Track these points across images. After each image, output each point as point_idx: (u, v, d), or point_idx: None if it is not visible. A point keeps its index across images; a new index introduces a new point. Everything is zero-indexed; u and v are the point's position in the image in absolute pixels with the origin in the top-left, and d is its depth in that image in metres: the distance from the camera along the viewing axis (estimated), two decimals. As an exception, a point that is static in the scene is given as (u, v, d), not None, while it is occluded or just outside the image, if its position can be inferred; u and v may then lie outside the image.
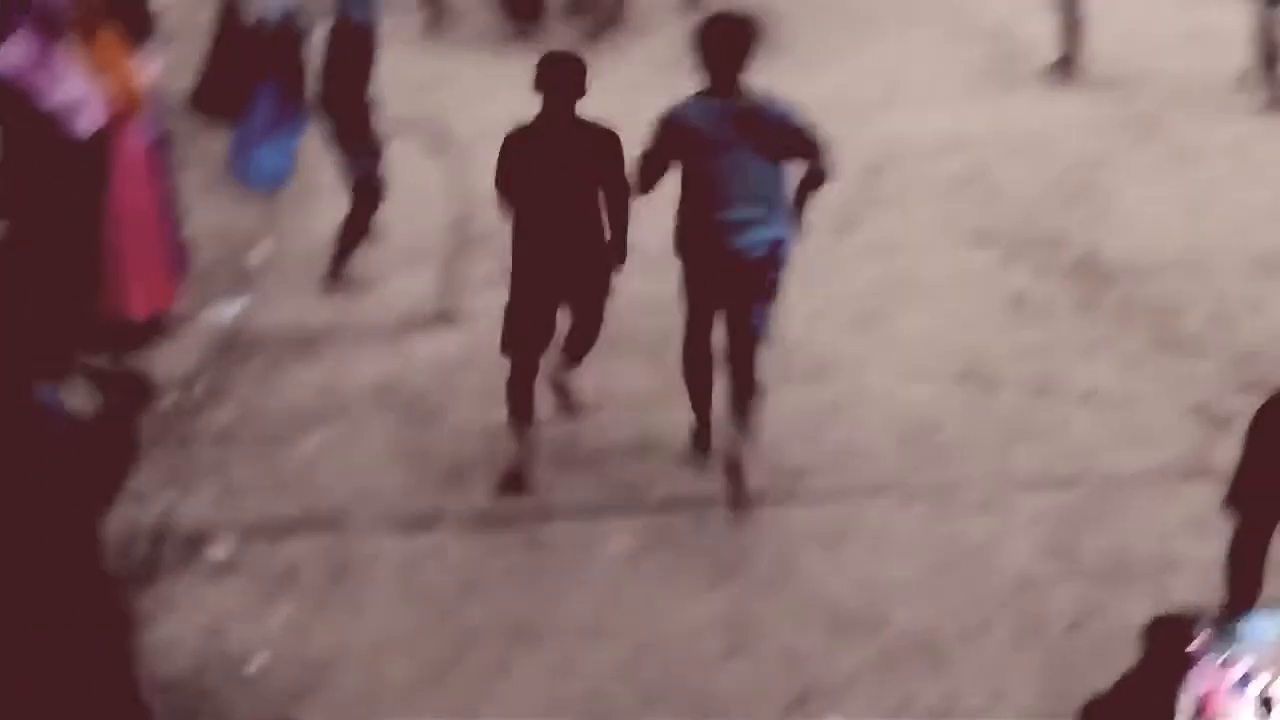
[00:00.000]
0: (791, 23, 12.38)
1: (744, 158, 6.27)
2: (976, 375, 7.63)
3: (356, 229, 8.80)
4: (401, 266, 8.91)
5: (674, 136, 6.40)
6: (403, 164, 10.37)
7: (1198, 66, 12.18)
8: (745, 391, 6.54)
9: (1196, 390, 7.43)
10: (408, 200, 9.42)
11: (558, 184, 6.45)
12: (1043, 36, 12.45)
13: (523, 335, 6.66)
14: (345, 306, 8.50)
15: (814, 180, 6.45)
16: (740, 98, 6.34)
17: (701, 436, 6.89)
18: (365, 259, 8.90)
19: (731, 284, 6.43)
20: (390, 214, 9.13)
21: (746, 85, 6.34)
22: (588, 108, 6.55)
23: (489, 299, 8.50)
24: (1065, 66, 12.23)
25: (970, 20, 13.56)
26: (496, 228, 9.31)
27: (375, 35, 8.67)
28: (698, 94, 6.40)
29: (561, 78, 6.43)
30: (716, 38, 6.34)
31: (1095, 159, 10.50)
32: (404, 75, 11.93)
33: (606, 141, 6.46)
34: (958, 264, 8.94)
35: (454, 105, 11.33)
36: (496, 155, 6.55)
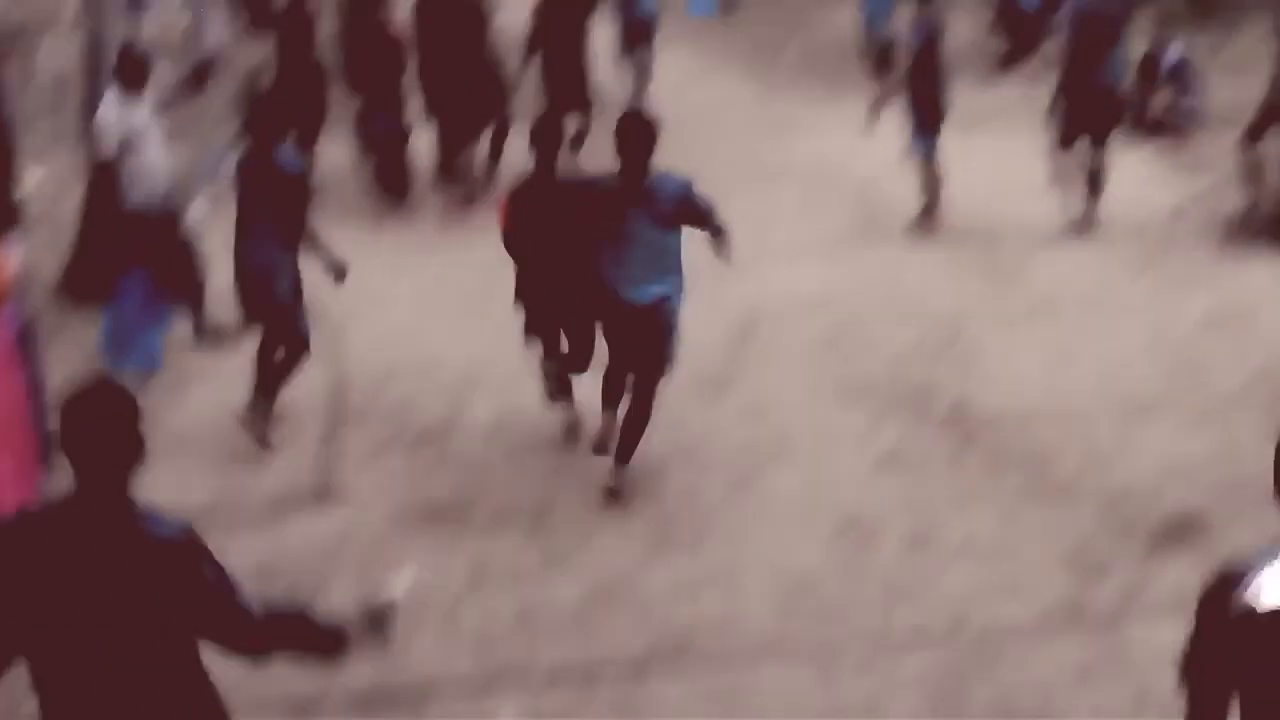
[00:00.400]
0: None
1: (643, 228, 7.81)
2: (854, 531, 7.68)
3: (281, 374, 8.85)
4: (278, 442, 8.83)
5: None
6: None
7: (1055, 214, 12.49)
8: (638, 423, 8.09)
9: (1071, 537, 7.53)
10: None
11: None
12: (905, 191, 12.72)
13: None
14: (221, 486, 8.39)
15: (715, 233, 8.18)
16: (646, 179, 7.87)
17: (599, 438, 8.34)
18: (241, 436, 8.82)
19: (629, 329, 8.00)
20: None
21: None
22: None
23: (367, 474, 8.50)
24: (927, 220, 12.51)
25: (834, 177, 13.82)
26: (373, 400, 9.37)
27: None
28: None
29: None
30: (626, 132, 7.90)
31: (960, 310, 10.68)
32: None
33: None
34: (830, 421, 9.03)
35: (325, 279, 11.32)
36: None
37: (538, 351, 8.84)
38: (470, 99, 13.40)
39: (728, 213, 8.35)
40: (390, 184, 13.43)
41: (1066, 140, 12.35)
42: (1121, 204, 12.80)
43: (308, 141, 13.64)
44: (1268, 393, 9.08)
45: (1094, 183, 12.37)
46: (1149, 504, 7.82)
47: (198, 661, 4.11)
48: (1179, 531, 7.54)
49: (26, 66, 17.56)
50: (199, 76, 17.06)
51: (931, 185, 12.50)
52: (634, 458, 8.16)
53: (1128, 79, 12.98)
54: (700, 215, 8.04)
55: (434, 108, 13.50)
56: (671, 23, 18.32)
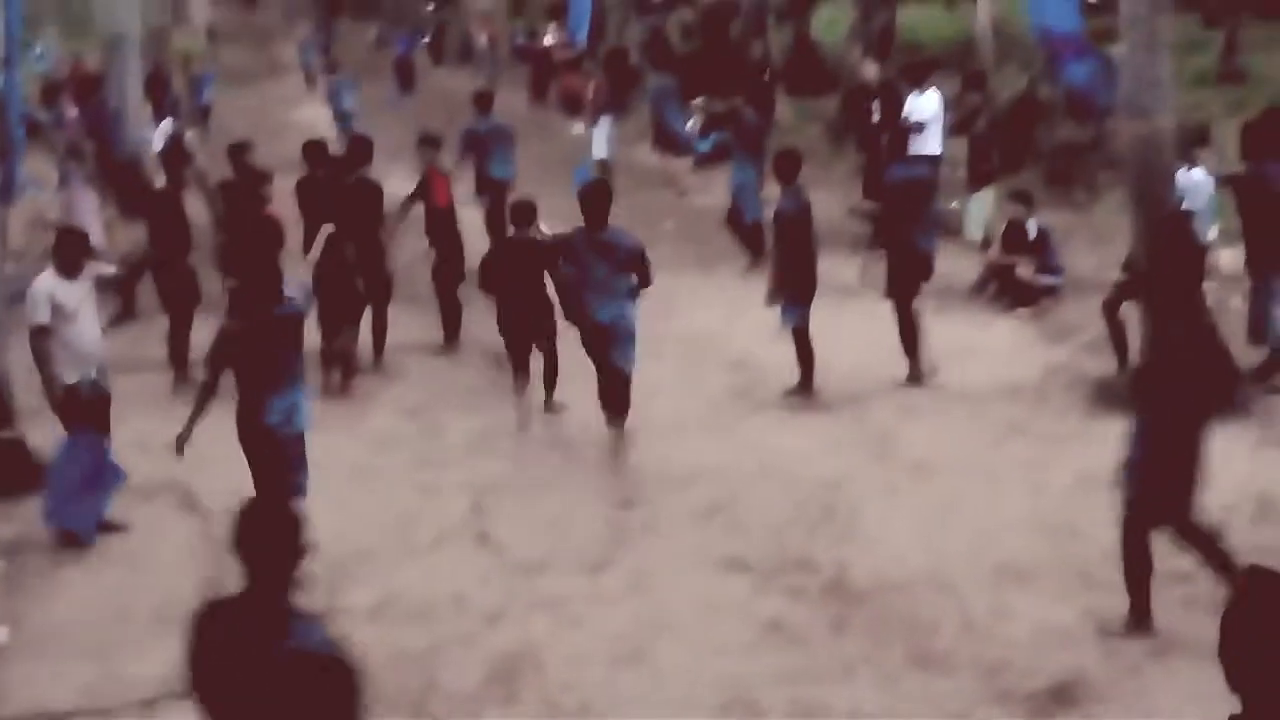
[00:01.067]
0: (535, 361, 12.64)
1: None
2: (738, 705, 7.64)
3: None
4: (151, 636, 8.63)
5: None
6: (149, 528, 10.21)
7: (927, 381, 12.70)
8: (619, 405, 11.07)
9: (953, 706, 7.55)
10: (155, 565, 9.21)
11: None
12: (780, 362, 12.87)
13: None
14: (90, 685, 8.18)
15: (644, 282, 11.01)
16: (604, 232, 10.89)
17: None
18: (111, 628, 8.63)
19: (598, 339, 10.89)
20: (137, 580, 8.91)
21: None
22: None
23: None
24: (803, 389, 12.64)
25: (711, 349, 13.96)
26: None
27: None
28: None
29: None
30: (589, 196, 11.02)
31: (837, 478, 10.77)
32: (151, 438, 11.81)
33: None
34: (712, 593, 9.01)
35: (199, 467, 11.20)
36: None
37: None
38: (349, 279, 13.47)
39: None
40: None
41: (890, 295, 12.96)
42: (992, 369, 13.07)
43: (181, 324, 13.61)
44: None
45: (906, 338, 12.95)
46: (1029, 670, 7.87)
47: None
48: (1059, 697, 7.59)
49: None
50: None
51: (805, 355, 12.66)
52: (519, 637, 8.20)
53: (936, 244, 13.46)
54: (642, 267, 10.99)
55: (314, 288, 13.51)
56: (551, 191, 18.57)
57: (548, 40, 34.34)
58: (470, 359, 14.21)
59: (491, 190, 17.30)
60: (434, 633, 8.60)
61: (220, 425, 11.62)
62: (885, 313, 13.72)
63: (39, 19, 17.98)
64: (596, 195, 11.17)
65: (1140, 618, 8.21)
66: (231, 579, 8.81)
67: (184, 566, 9.50)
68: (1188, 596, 8.33)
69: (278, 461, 8.89)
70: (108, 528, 10.18)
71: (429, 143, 14.95)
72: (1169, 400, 8.03)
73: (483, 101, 18.17)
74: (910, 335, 12.93)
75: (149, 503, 10.58)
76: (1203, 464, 8.05)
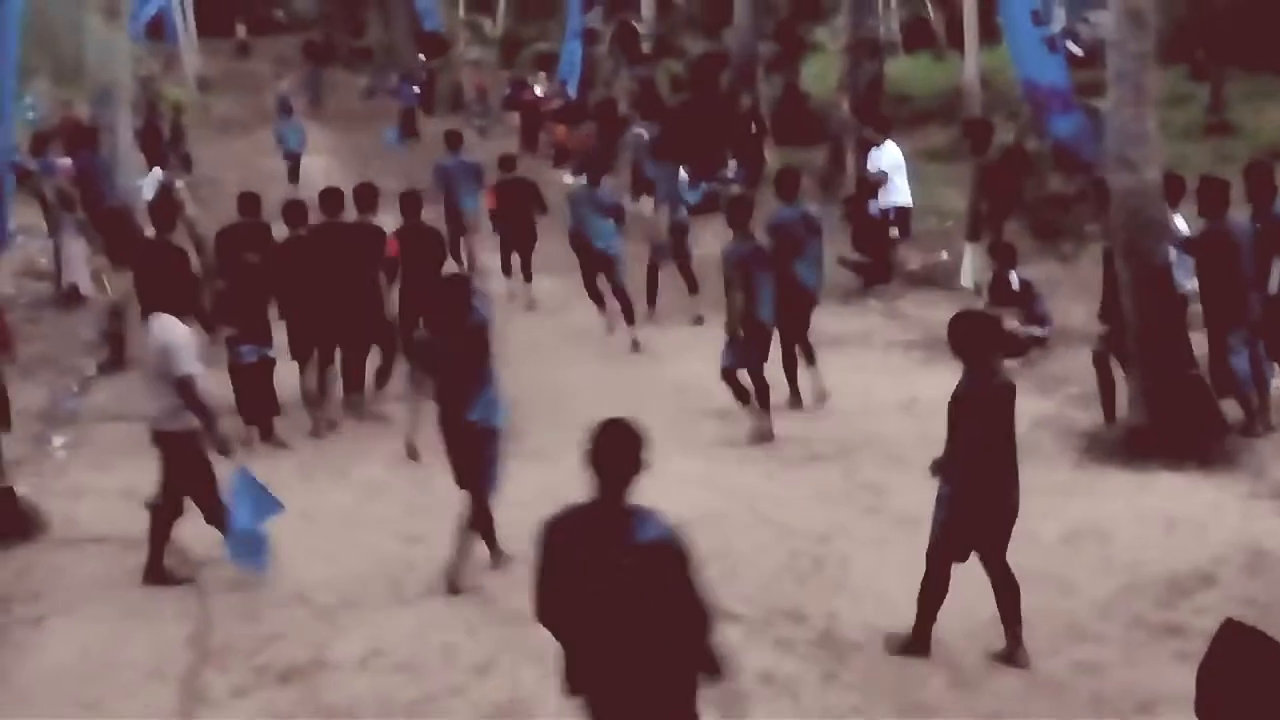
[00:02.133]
0: (528, 411, 12.62)
1: None
2: (729, 758, 7.58)
3: None
4: (140, 687, 8.59)
5: None
6: (137, 578, 10.15)
7: (913, 433, 12.68)
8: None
9: (944, 758, 7.51)
10: (145, 616, 9.13)
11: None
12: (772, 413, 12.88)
13: None
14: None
15: None
16: None
17: None
18: (101, 680, 8.57)
19: None
20: (126, 631, 8.83)
21: None
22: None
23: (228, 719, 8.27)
24: (758, 435, 12.75)
25: (700, 400, 13.93)
26: (237, 636, 9.18)
27: None
28: None
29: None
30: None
31: (827, 530, 10.75)
32: (139, 488, 11.78)
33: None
34: (703, 645, 8.96)
35: (188, 517, 11.17)
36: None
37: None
38: (334, 327, 13.49)
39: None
40: (255, 412, 13.33)
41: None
42: (981, 421, 13.05)
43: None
44: (1135, 607, 9.19)
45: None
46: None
47: (674, 635, 5.65)
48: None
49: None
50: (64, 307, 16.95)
51: (739, 394, 13.00)
52: (508, 689, 8.19)
53: (819, 284, 13.97)
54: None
55: (296, 335, 13.56)
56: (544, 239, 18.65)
57: (537, 90, 34.52)
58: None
59: (457, 221, 19.32)
60: (423, 684, 8.56)
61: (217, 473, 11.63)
62: (874, 363, 13.76)
63: (30, 68, 18.00)
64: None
65: (919, 642, 8.62)
66: (218, 630, 8.79)
67: (173, 617, 9.46)
68: (1179, 651, 8.31)
69: (479, 453, 9.89)
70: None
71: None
72: (980, 431, 8.32)
73: (453, 139, 20.30)
74: (790, 366, 13.72)
75: (134, 553, 10.52)
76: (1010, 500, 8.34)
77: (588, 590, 5.64)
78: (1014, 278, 15.24)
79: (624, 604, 5.60)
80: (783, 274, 13.28)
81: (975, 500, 8.36)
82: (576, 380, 14.67)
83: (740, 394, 12.96)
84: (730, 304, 12.83)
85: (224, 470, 10.09)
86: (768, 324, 13.00)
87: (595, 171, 17.72)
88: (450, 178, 19.67)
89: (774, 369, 13.27)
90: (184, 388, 9.76)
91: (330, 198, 14.03)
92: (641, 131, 23.52)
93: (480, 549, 10.10)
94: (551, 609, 5.83)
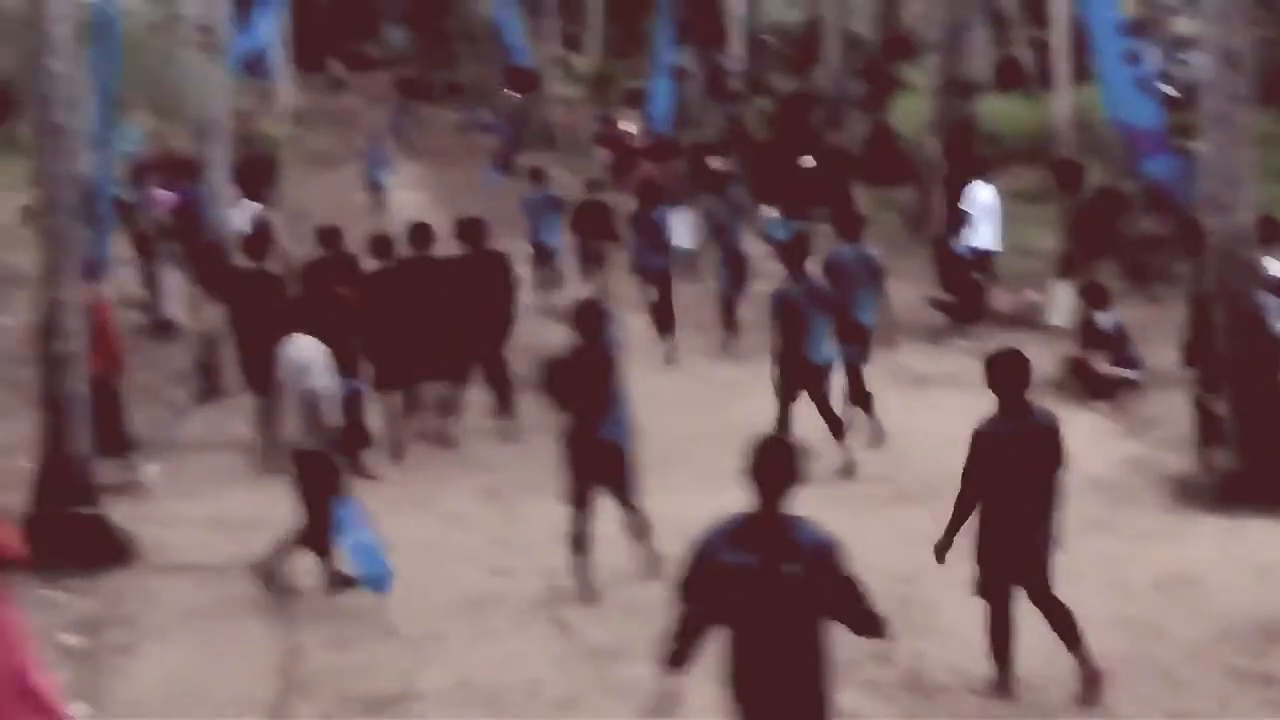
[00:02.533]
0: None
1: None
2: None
3: None
4: (228, 717, 8.66)
5: None
6: (227, 607, 10.25)
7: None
8: None
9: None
10: (233, 645, 9.21)
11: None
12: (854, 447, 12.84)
13: None
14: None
15: None
16: None
17: None
18: (190, 708, 8.65)
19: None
20: (215, 660, 8.90)
21: None
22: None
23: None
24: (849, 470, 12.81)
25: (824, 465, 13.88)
26: (324, 666, 9.24)
27: None
28: None
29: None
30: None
31: (913, 571, 10.65)
32: (230, 516, 11.92)
33: None
34: (788, 684, 8.92)
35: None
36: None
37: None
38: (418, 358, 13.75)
39: (676, 477, 8.59)
40: (345, 442, 13.41)
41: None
42: (1071, 463, 12.91)
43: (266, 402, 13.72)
44: (1227, 655, 9.07)
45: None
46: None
47: (825, 631, 6.29)
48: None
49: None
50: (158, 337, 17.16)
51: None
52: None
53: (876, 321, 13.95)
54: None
55: (383, 368, 13.73)
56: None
57: (626, 127, 34.65)
58: (547, 443, 14.21)
59: (540, 252, 20.23)
60: (507, 718, 8.57)
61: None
62: (962, 404, 13.63)
63: (129, 102, 18.32)
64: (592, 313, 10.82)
65: (1002, 684, 8.59)
66: (306, 659, 8.86)
67: (262, 646, 9.54)
68: (1271, 700, 8.19)
69: (613, 469, 10.32)
70: (344, 582, 10.28)
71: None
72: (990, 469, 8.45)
73: (537, 174, 21.63)
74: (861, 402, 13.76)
75: (225, 581, 10.63)
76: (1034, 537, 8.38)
77: (755, 591, 6.18)
78: (1104, 320, 15.11)
79: (790, 602, 6.18)
80: (841, 313, 13.37)
81: (994, 537, 8.39)
82: (661, 418, 14.63)
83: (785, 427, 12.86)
84: (775, 344, 12.98)
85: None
86: (820, 363, 12.94)
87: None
88: (535, 210, 20.63)
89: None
90: (318, 407, 9.99)
91: (420, 232, 14.18)
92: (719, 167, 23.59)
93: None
94: (702, 612, 6.37)
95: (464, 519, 12.11)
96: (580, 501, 10.34)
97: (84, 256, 11.76)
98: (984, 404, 13.29)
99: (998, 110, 33.11)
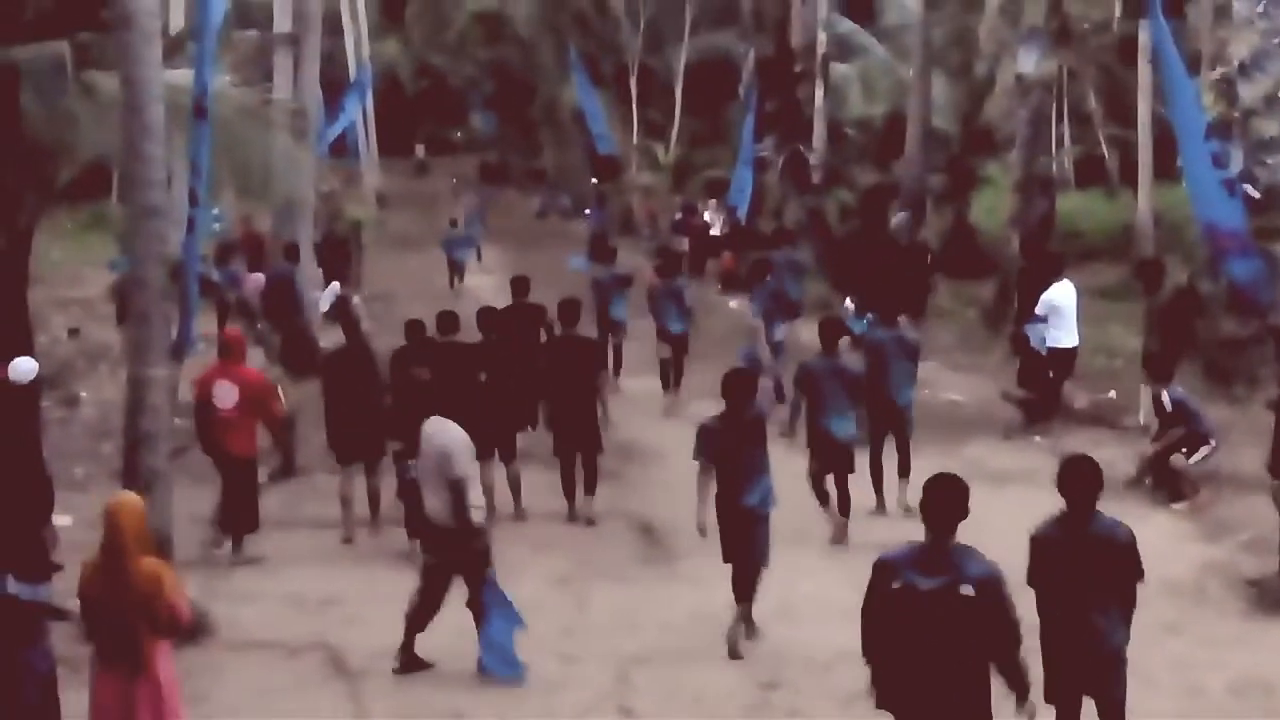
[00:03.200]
0: (681, 535, 12.65)
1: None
2: None
3: None
4: None
5: None
6: (295, 687, 10.31)
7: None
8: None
9: None
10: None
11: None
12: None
13: None
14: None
15: None
16: None
17: None
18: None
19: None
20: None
21: None
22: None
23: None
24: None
25: (858, 532, 13.82)
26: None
27: None
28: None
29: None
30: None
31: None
32: (304, 594, 12.01)
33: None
34: (856, 781, 8.86)
35: (350, 625, 11.35)
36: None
37: None
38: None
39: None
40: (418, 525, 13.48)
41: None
42: (1148, 564, 12.74)
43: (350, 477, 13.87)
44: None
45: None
46: None
47: (989, 653, 7.07)
48: None
49: (69, 403, 17.96)
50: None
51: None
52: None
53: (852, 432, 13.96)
54: None
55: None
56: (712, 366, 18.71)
57: (706, 216, 34.82)
58: (618, 529, 14.25)
59: (610, 329, 20.69)
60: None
61: (373, 585, 11.83)
62: (1039, 503, 13.53)
63: (217, 181, 18.64)
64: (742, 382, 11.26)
65: None
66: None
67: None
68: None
69: (752, 536, 10.84)
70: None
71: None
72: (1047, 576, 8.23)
73: (606, 254, 23.51)
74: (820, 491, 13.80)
75: (296, 660, 10.69)
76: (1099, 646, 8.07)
77: (934, 612, 6.96)
78: (1166, 398, 14.95)
79: (963, 623, 6.94)
80: (875, 391, 14.24)
81: (1058, 643, 8.09)
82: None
83: (821, 496, 13.71)
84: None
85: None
86: (839, 439, 13.63)
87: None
88: (603, 289, 21.30)
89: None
90: (456, 490, 10.15)
91: (485, 315, 15.07)
92: (790, 254, 23.68)
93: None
94: (878, 635, 7.27)
95: (535, 604, 12.10)
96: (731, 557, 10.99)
97: (171, 336, 11.94)
98: (1060, 503, 13.27)
99: (1078, 207, 33.10)
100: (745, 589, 10.94)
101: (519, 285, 17.01)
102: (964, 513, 7.08)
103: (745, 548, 10.90)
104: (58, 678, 8.55)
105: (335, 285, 21.77)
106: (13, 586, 8.60)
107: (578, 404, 14.47)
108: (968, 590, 6.93)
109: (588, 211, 40.16)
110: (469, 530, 10.22)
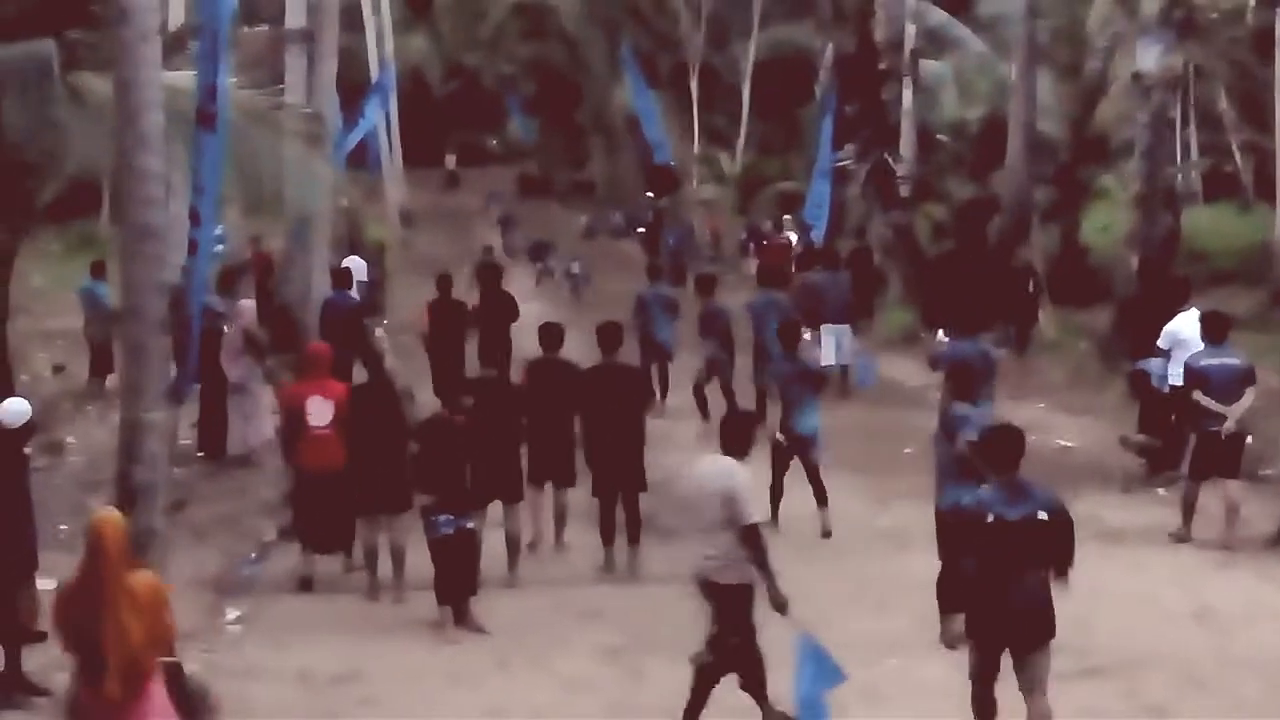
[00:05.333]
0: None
1: None
2: None
3: None
4: None
5: None
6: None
7: (1208, 649, 12.37)
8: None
9: None
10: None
11: None
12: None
13: None
14: None
15: None
16: None
17: None
18: None
19: None
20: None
21: None
22: None
23: None
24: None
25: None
26: None
27: None
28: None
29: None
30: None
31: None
32: (313, 669, 12.05)
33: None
34: None
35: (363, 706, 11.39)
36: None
37: None
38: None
39: (830, 639, 8.61)
40: (450, 592, 13.50)
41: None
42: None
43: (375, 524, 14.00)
44: None
45: None
46: None
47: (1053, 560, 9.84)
48: None
49: (53, 450, 18.08)
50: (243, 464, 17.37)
51: None
52: None
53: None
54: None
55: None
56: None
57: (790, 235, 34.51)
58: (675, 593, 14.21)
59: (652, 350, 22.07)
60: None
61: (395, 660, 11.88)
62: (1161, 563, 13.47)
63: (223, 198, 18.72)
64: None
65: None
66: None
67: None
68: None
69: (957, 536, 11.07)
70: None
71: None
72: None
73: (652, 271, 24.61)
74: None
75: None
76: None
77: (1017, 541, 9.61)
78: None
79: (1038, 546, 9.69)
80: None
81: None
82: (811, 569, 14.58)
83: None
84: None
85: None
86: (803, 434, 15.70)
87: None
88: (647, 307, 22.43)
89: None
90: (749, 537, 10.22)
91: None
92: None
93: None
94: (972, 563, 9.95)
95: (583, 682, 12.09)
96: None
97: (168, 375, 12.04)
98: (1187, 563, 13.21)
99: (1206, 223, 32.91)
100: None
101: (550, 336, 15.59)
102: (1023, 451, 9.86)
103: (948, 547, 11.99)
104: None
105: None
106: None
107: (619, 438, 14.71)
108: (1044, 515, 9.63)
109: (640, 230, 40.28)
110: (754, 586, 10.39)
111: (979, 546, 9.78)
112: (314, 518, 14.16)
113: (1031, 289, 25.66)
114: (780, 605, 10.31)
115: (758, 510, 10.41)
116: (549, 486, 15.18)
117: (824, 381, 16.89)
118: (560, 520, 15.29)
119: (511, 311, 21.46)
